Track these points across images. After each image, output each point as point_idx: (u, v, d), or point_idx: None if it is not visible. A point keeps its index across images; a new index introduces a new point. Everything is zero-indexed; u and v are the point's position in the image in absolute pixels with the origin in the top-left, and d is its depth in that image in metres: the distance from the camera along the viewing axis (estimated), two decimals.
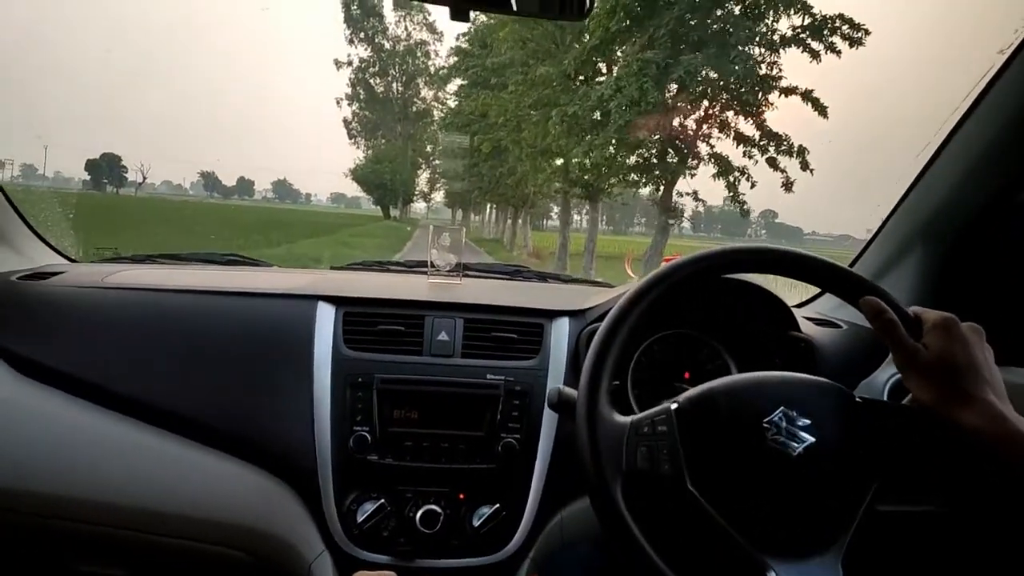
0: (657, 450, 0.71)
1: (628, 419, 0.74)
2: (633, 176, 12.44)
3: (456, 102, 25.30)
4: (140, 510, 1.03)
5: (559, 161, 14.20)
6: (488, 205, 38.47)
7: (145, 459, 1.06)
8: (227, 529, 1.04)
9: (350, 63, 56.04)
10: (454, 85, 25.02)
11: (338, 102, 58.40)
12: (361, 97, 57.23)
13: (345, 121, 59.28)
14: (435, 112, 43.87)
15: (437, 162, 50.24)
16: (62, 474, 1.03)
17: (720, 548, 0.68)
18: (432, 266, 1.38)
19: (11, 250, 1.33)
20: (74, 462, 1.04)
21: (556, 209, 26.75)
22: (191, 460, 1.06)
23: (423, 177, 57.20)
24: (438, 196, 60.19)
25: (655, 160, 11.88)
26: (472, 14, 0.91)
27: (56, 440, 1.05)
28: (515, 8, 0.89)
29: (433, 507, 1.05)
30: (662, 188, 12.33)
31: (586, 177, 13.17)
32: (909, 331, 0.74)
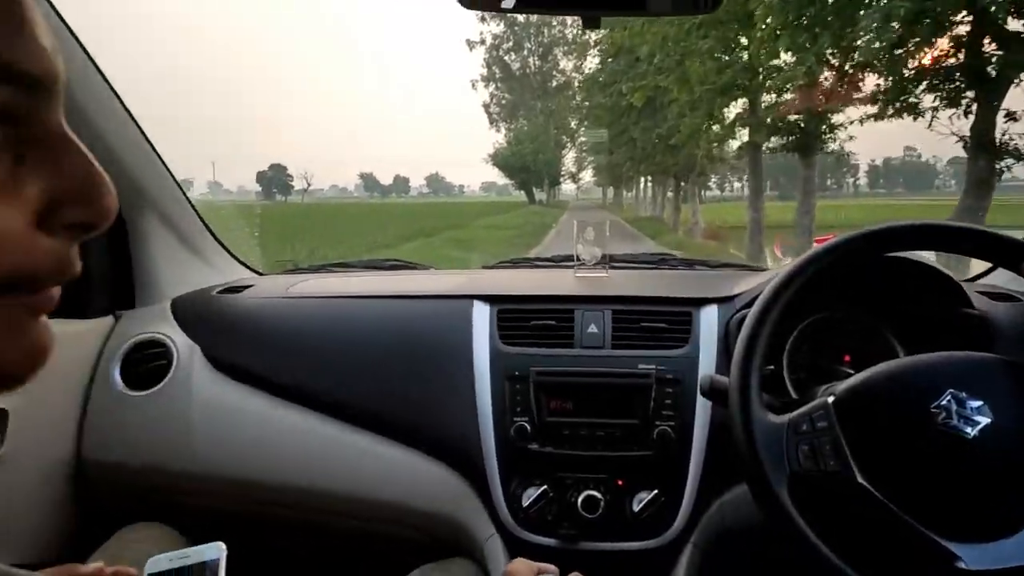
0: (820, 447, 0.71)
1: (785, 418, 0.74)
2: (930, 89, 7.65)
3: (598, 58, 21.86)
4: (331, 494, 1.19)
5: (733, 109, 11.57)
6: (643, 179, 35.12)
7: (332, 449, 1.21)
8: (408, 512, 1.17)
9: (483, 41, 55.02)
10: (596, 55, 22.17)
11: (473, 84, 57.48)
12: (497, 76, 55.62)
13: (484, 105, 57.83)
14: (576, 83, 40.58)
15: (583, 139, 46.80)
16: (261, 462, 1.21)
17: (900, 539, 0.67)
18: (578, 260, 1.43)
19: (207, 266, 1.55)
20: (271, 451, 1.22)
21: (714, 178, 24.91)
22: (373, 450, 1.19)
23: (569, 156, 54.44)
24: (587, 175, 57.40)
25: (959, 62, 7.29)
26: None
27: (255, 432, 1.23)
28: (648, 9, 0.88)
29: (593, 493, 1.09)
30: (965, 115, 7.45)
31: (794, 119, 10.21)
32: None
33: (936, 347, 0.82)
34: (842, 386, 0.75)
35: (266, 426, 1.23)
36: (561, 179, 58.59)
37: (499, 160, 48.97)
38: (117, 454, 1.25)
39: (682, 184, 21.73)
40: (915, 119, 8.31)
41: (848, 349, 1.14)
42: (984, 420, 0.67)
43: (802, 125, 10.58)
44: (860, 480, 0.68)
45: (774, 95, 10.87)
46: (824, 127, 10.61)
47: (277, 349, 1.29)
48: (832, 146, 11.35)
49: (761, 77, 10.40)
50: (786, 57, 9.35)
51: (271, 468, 1.21)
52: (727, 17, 9.47)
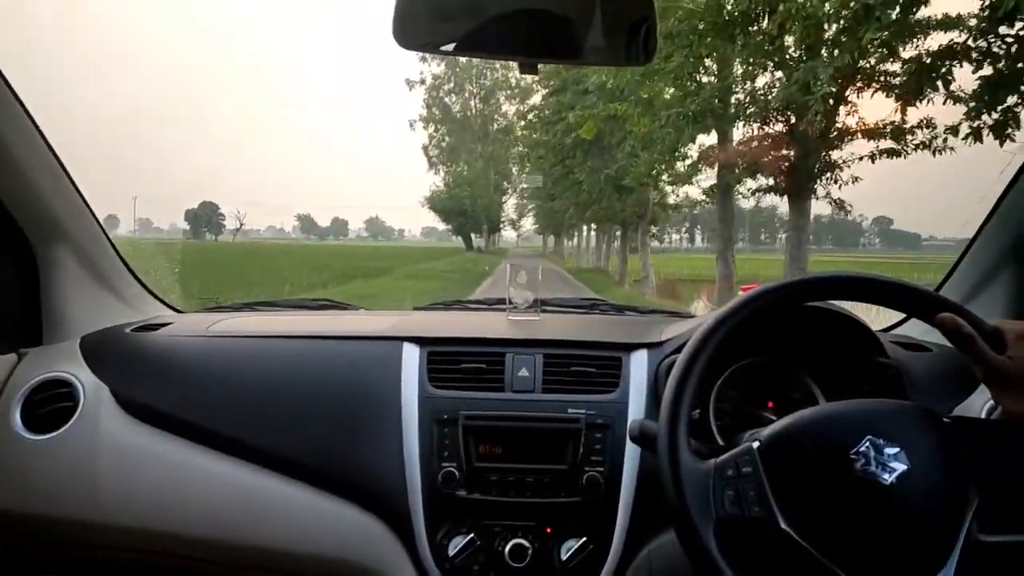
0: (744, 492, 0.73)
1: (711, 463, 0.76)
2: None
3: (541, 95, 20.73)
4: (245, 546, 1.15)
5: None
6: (586, 227, 33.55)
7: (248, 497, 1.16)
8: (327, 564, 1.13)
9: (423, 81, 51.81)
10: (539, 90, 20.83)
11: (411, 124, 53.86)
12: (437, 118, 53.06)
13: (423, 147, 54.78)
14: (518, 127, 37.39)
15: (524, 184, 44.70)
16: (171, 511, 1.16)
17: None
18: (510, 303, 1.44)
19: (123, 303, 1.50)
20: (182, 500, 1.16)
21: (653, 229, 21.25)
22: (291, 497, 1.15)
23: (510, 202, 53.09)
24: (527, 222, 55.99)
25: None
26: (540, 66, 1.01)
27: (167, 479, 1.17)
28: (583, 58, 0.95)
29: (521, 541, 1.09)
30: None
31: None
32: (992, 345, 0.75)
33: (854, 394, 0.86)
34: (766, 432, 0.78)
35: (177, 472, 1.18)
36: (501, 226, 56.91)
37: (435, 203, 47.05)
38: (15, 502, 1.18)
39: (628, 233, 20.40)
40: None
41: (771, 395, 1.18)
42: (901, 467, 0.70)
43: (792, 163, 8.44)
44: (783, 526, 0.70)
45: (755, 125, 8.90)
46: (819, 165, 8.28)
47: (192, 390, 1.24)
48: (833, 188, 8.51)
49: (743, 99, 8.89)
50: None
51: (181, 518, 1.16)
52: (703, 29, 7.89)
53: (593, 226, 29.89)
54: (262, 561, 1.16)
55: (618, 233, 22.00)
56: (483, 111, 52.10)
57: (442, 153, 54.28)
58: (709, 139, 10.76)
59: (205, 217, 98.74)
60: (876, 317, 1.29)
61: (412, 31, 0.85)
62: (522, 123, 29.73)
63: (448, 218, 48.16)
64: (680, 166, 11.94)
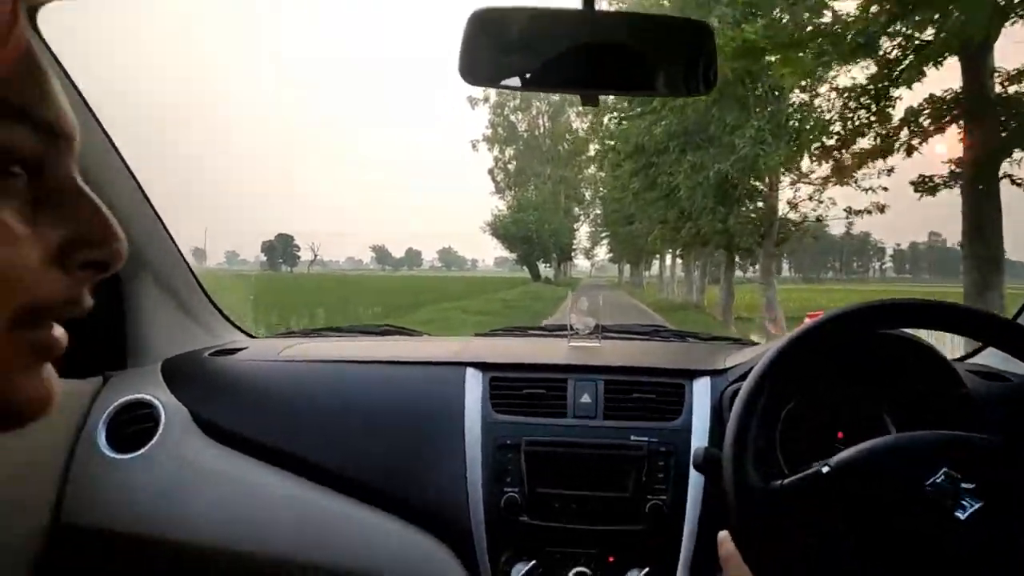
0: (808, 516, 0.74)
1: (777, 484, 0.76)
2: None
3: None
4: (313, 566, 1.19)
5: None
6: (669, 255, 31.24)
7: (317, 516, 1.22)
8: None
9: (487, 99, 49.67)
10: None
11: (474, 145, 52.23)
12: (502, 138, 51.31)
13: (489, 171, 53.25)
14: (592, 147, 32.74)
15: (598, 211, 43.09)
16: (246, 529, 1.22)
17: None
18: (571, 329, 1.47)
19: (201, 328, 1.60)
20: (256, 518, 1.23)
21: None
22: (358, 519, 1.20)
23: (583, 230, 51.19)
24: (601, 251, 54.36)
25: None
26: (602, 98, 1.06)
27: (241, 498, 1.24)
28: (643, 89, 0.99)
29: (583, 569, 1.11)
30: None
31: None
32: None
33: (927, 426, 0.85)
34: (838, 457, 0.78)
35: (251, 491, 1.25)
36: (573, 253, 54.20)
37: (498, 228, 44.50)
38: (98, 519, 1.24)
39: (734, 259, 16.68)
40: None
41: (840, 426, 1.17)
42: (975, 504, 0.69)
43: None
44: (850, 554, 0.71)
45: None
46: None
47: (267, 412, 1.31)
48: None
49: None
50: None
51: (254, 536, 1.22)
52: None
53: (678, 252, 26.56)
54: None
55: (714, 259, 18.84)
56: (552, 130, 50.28)
57: (508, 176, 52.62)
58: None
59: (280, 248, 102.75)
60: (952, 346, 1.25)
61: (478, 66, 0.89)
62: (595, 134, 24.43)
63: (512, 245, 45.80)
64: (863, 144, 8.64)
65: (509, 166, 52.88)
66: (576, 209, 50.51)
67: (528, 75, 0.91)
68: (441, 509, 1.19)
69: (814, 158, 10.25)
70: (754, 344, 1.49)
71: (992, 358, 1.37)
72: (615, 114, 16.21)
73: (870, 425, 1.16)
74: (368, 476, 1.23)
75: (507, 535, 1.16)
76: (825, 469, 0.76)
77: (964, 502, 0.70)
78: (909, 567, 0.71)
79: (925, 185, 7.84)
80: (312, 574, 1.22)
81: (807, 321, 0.90)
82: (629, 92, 1.06)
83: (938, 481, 0.71)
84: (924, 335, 1.12)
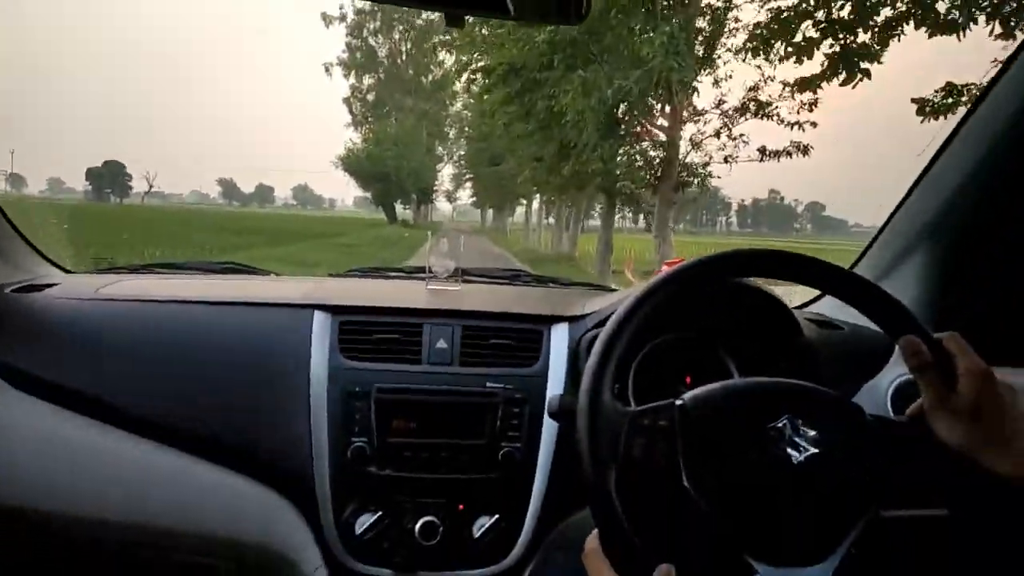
0: (655, 443, 0.77)
1: (629, 409, 0.79)
2: None
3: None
4: (135, 524, 1.10)
5: None
6: (537, 198, 29.17)
7: (140, 472, 1.13)
8: (224, 543, 1.11)
9: (343, 17, 44.93)
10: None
11: (327, 69, 46.81)
12: (360, 63, 46.29)
13: (345, 100, 48.71)
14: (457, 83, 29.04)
15: (462, 152, 40.78)
16: (58, 489, 1.10)
17: (708, 545, 0.74)
18: (430, 272, 1.45)
19: (4, 261, 1.40)
20: (69, 476, 1.11)
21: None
22: (187, 473, 1.14)
23: (446, 171, 47.86)
24: (465, 194, 51.02)
25: None
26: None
27: (51, 454, 1.12)
28: (512, 13, 0.93)
29: (432, 518, 1.12)
30: None
31: None
32: (939, 362, 0.78)
33: (768, 371, 0.90)
34: (692, 393, 0.81)
35: (61, 446, 1.13)
36: (434, 196, 50.62)
37: (352, 164, 39.17)
38: None
39: (614, 206, 15.29)
40: None
41: (689, 370, 1.24)
42: (812, 449, 0.75)
43: None
44: (684, 482, 0.75)
45: None
46: None
47: (79, 356, 1.20)
48: None
49: None
50: None
51: (61, 494, 1.11)
52: None
53: (547, 198, 25.07)
54: (154, 541, 1.12)
55: (597, 207, 17.23)
56: (416, 58, 45.35)
57: (366, 107, 48.34)
58: None
59: (109, 177, 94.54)
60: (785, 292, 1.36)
61: None
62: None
63: (367, 183, 40.75)
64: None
65: (368, 96, 48.56)
66: (439, 149, 46.87)
67: None
68: (282, 462, 1.15)
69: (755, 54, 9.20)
70: (612, 291, 1.53)
71: (827, 307, 1.48)
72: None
73: (716, 370, 1.24)
74: (201, 429, 1.16)
75: (353, 486, 1.14)
76: (679, 401, 0.80)
77: (802, 446, 0.76)
78: (740, 502, 0.75)
79: None
80: (133, 535, 1.12)
81: (664, 269, 0.92)
82: (497, 15, 1.03)
83: (779, 425, 0.77)
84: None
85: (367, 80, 47.74)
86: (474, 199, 49.87)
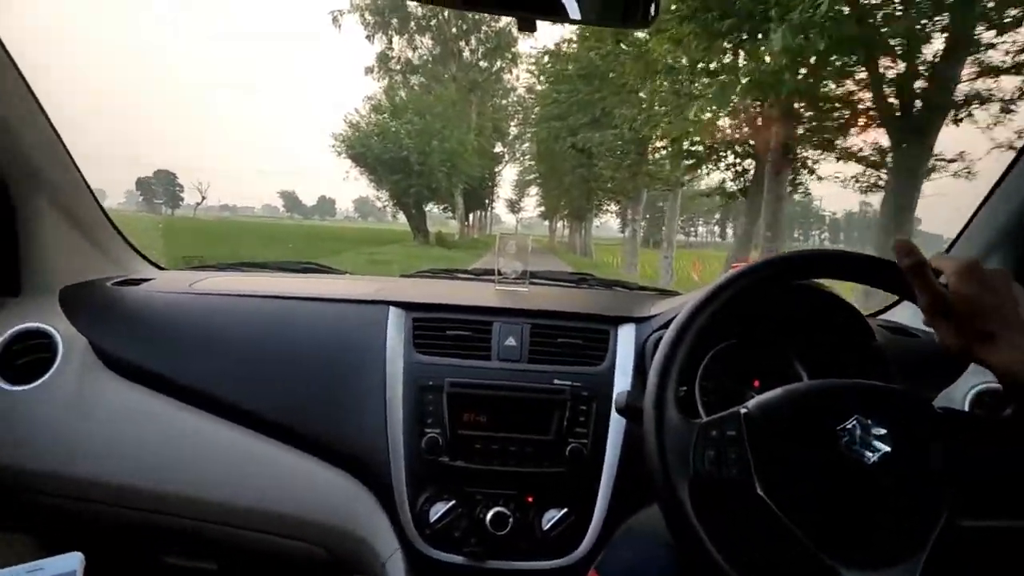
0: (725, 453, 0.79)
1: (696, 422, 0.81)
2: None
3: None
4: (226, 506, 1.21)
5: None
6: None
7: (231, 456, 1.23)
8: (307, 525, 1.20)
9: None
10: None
11: (335, 19, 33.22)
12: (389, 18, 32.47)
13: (367, 70, 34.80)
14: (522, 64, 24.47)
15: (527, 146, 30.73)
16: (155, 469, 1.22)
17: (788, 553, 0.75)
18: (499, 273, 1.51)
19: (106, 258, 1.55)
20: (165, 458, 1.23)
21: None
22: (273, 459, 1.22)
23: (507, 174, 38.12)
24: (531, 203, 41.96)
25: None
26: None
27: (148, 436, 1.24)
28: (579, 18, 0.99)
29: (502, 509, 1.16)
30: None
31: None
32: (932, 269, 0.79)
33: (839, 376, 0.93)
34: (755, 400, 0.83)
35: (154, 428, 1.24)
36: (490, 202, 42.09)
37: (354, 145, 25.12)
38: None
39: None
40: None
41: (757, 374, 1.26)
42: (884, 448, 0.76)
43: None
44: (759, 491, 0.77)
45: None
46: None
47: (174, 346, 1.30)
48: None
49: None
50: None
51: (156, 474, 1.22)
52: None
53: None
54: (239, 519, 1.23)
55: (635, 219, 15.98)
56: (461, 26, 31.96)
57: (399, 70, 34.57)
58: None
59: (160, 188, 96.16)
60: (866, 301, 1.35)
61: None
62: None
63: (379, 173, 25.44)
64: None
65: (398, 65, 34.60)
66: (497, 147, 35.06)
67: None
68: (360, 450, 1.22)
69: None
70: (678, 294, 1.55)
71: (904, 314, 1.49)
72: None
73: (785, 374, 1.25)
74: (282, 416, 1.24)
75: (427, 476, 1.20)
76: (743, 410, 0.82)
77: (874, 446, 0.77)
78: (815, 508, 0.77)
79: None
80: (221, 514, 1.23)
81: (730, 271, 0.94)
82: (567, 20, 1.04)
83: (849, 427, 0.78)
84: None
85: (397, 42, 33.99)
86: (542, 208, 41.95)
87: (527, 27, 0.99)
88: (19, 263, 1.40)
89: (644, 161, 13.52)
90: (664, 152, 11.75)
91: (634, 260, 17.00)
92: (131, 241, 1.65)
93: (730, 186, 11.38)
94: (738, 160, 10.44)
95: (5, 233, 1.37)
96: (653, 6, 0.96)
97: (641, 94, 11.08)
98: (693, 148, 10.62)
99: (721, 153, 10.80)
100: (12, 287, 1.39)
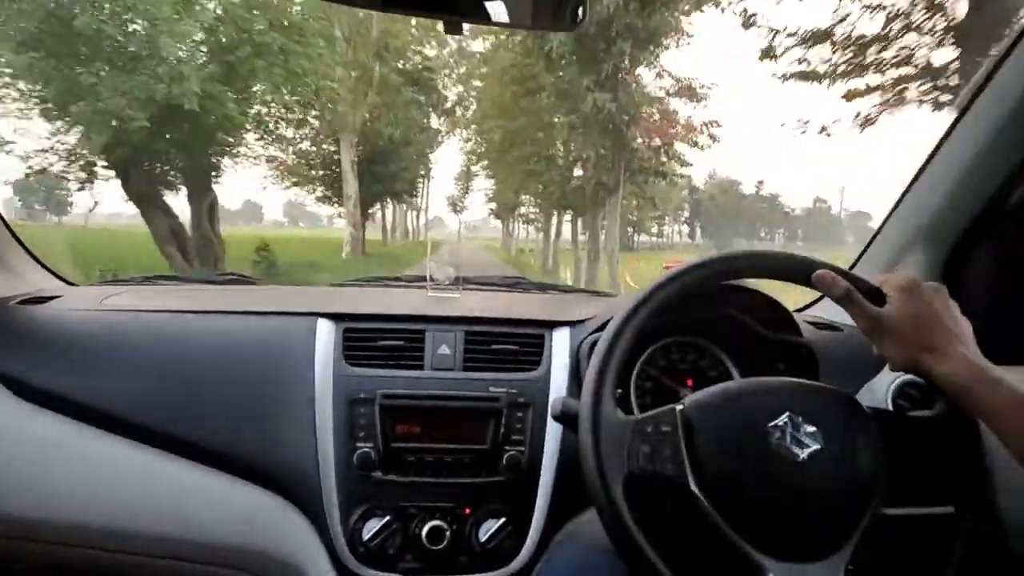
0: (660, 449, 0.81)
1: (631, 418, 0.84)
2: None
3: None
4: (143, 534, 1.16)
5: None
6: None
7: (147, 482, 1.18)
8: (233, 551, 1.17)
9: None
10: None
11: None
12: None
13: None
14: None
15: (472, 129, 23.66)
16: (63, 499, 1.16)
17: (720, 549, 0.78)
18: (431, 280, 1.52)
19: (11, 274, 1.46)
20: (74, 486, 1.17)
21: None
22: (194, 482, 1.18)
23: (444, 157, 30.02)
24: (476, 200, 39.42)
25: None
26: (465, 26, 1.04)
27: (56, 464, 1.18)
28: (508, 20, 1.00)
29: (439, 523, 1.16)
30: None
31: None
32: (873, 301, 0.86)
33: (768, 373, 0.97)
34: (691, 397, 0.87)
35: (68, 456, 1.19)
36: (418, 189, 29.81)
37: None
38: None
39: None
40: None
41: (690, 373, 1.30)
42: (815, 445, 0.80)
43: None
44: (692, 487, 0.79)
45: None
46: None
47: (84, 367, 1.25)
48: None
49: None
50: None
51: (66, 504, 1.16)
52: None
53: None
54: (163, 550, 1.17)
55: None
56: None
57: None
58: None
59: (44, 192, 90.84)
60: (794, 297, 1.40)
61: None
62: None
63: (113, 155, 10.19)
64: None
65: None
66: (433, 118, 26.09)
67: None
68: (289, 468, 1.20)
69: None
70: (612, 296, 1.57)
71: (827, 309, 1.55)
72: None
73: (717, 373, 1.31)
74: (207, 438, 1.21)
75: (360, 492, 1.19)
76: (679, 407, 0.85)
77: (804, 443, 0.81)
78: (748, 503, 0.80)
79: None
80: (140, 544, 1.18)
81: (663, 272, 0.97)
82: (494, 23, 1.05)
83: (780, 424, 0.82)
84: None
85: None
86: (492, 205, 34.15)
87: (453, 29, 1.00)
88: None
89: None
90: None
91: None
92: (36, 254, 1.58)
93: None
94: None
95: None
96: (581, 8, 0.97)
97: None
98: None
99: None
100: None
